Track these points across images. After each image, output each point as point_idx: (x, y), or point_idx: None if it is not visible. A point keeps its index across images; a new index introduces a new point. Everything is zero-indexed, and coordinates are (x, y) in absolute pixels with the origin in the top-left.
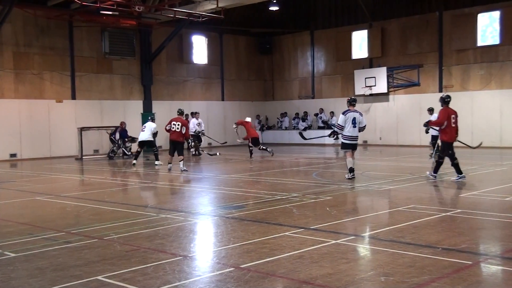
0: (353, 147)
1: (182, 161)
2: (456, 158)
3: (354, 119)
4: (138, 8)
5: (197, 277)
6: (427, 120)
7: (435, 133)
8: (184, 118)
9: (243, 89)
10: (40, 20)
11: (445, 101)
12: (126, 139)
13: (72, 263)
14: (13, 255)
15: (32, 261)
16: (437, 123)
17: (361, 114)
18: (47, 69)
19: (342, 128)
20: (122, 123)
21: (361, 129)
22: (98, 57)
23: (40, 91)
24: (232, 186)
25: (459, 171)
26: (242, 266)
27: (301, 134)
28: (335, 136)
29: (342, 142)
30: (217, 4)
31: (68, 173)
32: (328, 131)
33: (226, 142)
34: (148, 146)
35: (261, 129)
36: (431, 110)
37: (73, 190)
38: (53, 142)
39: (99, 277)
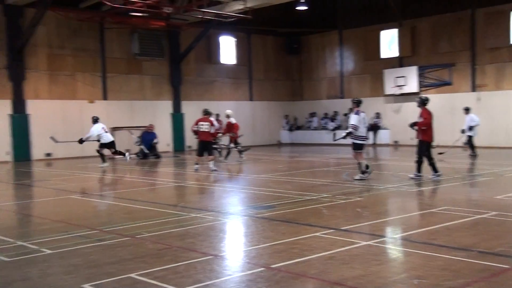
0: (364, 148)
1: (212, 161)
2: (432, 158)
3: (364, 119)
4: (167, 9)
5: (227, 277)
6: (413, 122)
7: (471, 133)
8: (215, 119)
9: (271, 89)
10: (72, 22)
11: (423, 102)
12: (152, 142)
13: (105, 261)
14: (49, 251)
15: (67, 258)
16: (425, 123)
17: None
18: (80, 70)
19: (357, 128)
20: (151, 126)
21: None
22: (128, 58)
23: (73, 92)
24: (262, 186)
25: (435, 170)
26: (272, 266)
27: (334, 135)
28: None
29: (355, 143)
30: (245, 5)
31: (100, 173)
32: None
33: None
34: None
35: (290, 129)
36: (467, 110)
37: (105, 189)
38: (85, 142)
39: (132, 275)
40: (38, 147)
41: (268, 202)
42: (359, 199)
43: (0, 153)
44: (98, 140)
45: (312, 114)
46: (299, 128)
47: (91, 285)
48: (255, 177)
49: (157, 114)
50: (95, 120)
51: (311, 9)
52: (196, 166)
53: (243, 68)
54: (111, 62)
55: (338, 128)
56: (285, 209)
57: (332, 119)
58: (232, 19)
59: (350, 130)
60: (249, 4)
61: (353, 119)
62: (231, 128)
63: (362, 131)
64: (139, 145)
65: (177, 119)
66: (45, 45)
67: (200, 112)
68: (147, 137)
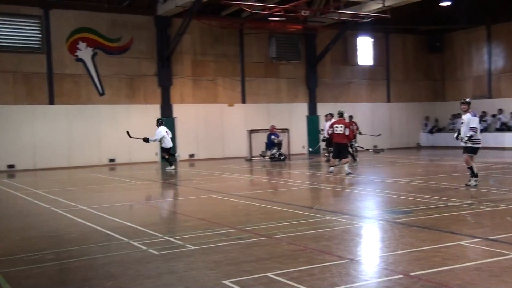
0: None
1: (347, 164)
2: None
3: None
4: (304, 12)
5: (364, 282)
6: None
7: None
8: (349, 120)
9: (410, 90)
10: (214, 29)
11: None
12: (274, 141)
13: (243, 259)
14: (192, 247)
15: (208, 254)
16: None
17: None
18: (220, 75)
19: (477, 131)
20: (273, 127)
21: None
22: (266, 62)
23: (214, 96)
24: (399, 190)
25: None
26: (411, 274)
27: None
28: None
29: (472, 147)
30: (383, 4)
31: (238, 173)
32: (510, 134)
33: (380, 134)
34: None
35: (430, 132)
36: None
37: (243, 189)
38: (225, 143)
39: (268, 274)
40: (183, 149)
41: (406, 207)
42: (509, 207)
43: (150, 153)
44: (160, 143)
45: (456, 116)
46: (440, 130)
47: (230, 282)
48: (392, 181)
49: (293, 117)
50: (160, 123)
51: (455, 5)
52: (332, 168)
53: (380, 69)
54: (249, 67)
55: (485, 130)
56: (424, 215)
57: (480, 120)
58: (370, 19)
59: (471, 133)
60: (387, 3)
61: (474, 121)
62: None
63: (478, 134)
64: (270, 146)
65: (313, 121)
66: (190, 52)
67: (336, 115)
68: (271, 138)
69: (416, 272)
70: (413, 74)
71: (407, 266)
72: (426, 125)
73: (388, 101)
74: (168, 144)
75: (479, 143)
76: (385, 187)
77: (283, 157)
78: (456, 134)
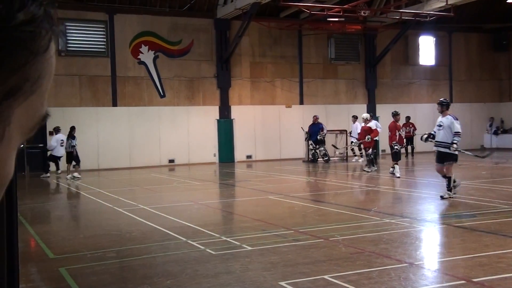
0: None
1: (397, 166)
2: None
3: None
4: (363, 12)
5: (424, 286)
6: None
7: None
8: (406, 121)
9: (474, 90)
10: (273, 31)
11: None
12: (319, 134)
13: (300, 261)
14: (249, 248)
15: (265, 255)
16: None
17: None
18: (278, 77)
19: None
20: (315, 117)
21: None
22: (324, 63)
23: (272, 97)
24: (462, 193)
25: None
26: (474, 279)
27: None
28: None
29: (453, 154)
30: (447, 2)
31: (295, 175)
32: None
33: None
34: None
35: (495, 133)
36: None
37: (300, 191)
38: (283, 145)
39: (325, 277)
40: (240, 150)
41: (468, 211)
42: None
43: (208, 155)
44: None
45: None
46: (506, 131)
47: (287, 283)
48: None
49: (351, 118)
50: (57, 131)
51: None
52: (392, 169)
53: (442, 69)
54: (307, 68)
55: None
56: (488, 219)
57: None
58: (432, 18)
59: (458, 139)
60: (450, 1)
61: (458, 125)
62: (368, 133)
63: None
64: (307, 139)
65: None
66: (248, 54)
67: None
68: (314, 129)
69: (479, 278)
70: (477, 74)
71: (470, 272)
72: (490, 126)
73: (451, 101)
74: (58, 152)
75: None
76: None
77: (326, 157)
78: (425, 136)
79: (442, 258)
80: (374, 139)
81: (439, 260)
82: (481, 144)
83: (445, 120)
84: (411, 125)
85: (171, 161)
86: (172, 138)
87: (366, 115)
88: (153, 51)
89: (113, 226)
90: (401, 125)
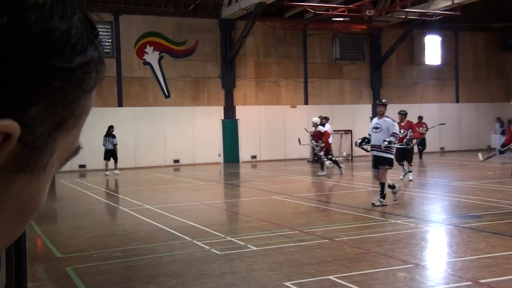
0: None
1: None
2: None
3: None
4: (369, 12)
5: None
6: None
7: None
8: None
9: (480, 89)
10: (277, 31)
11: None
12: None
13: (305, 261)
14: (254, 248)
15: (270, 255)
16: None
17: None
18: (283, 77)
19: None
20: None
21: None
22: (329, 63)
23: (276, 97)
24: (468, 194)
25: None
26: (481, 281)
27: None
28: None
29: (391, 159)
30: (453, 1)
31: (300, 175)
32: None
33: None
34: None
35: (502, 133)
36: None
37: (305, 191)
38: (287, 145)
39: (331, 277)
40: (245, 150)
41: (475, 212)
42: None
43: (213, 155)
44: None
45: None
46: None
47: (292, 283)
48: (459, 184)
49: (356, 118)
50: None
51: None
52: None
53: (448, 68)
54: (312, 68)
55: None
56: (495, 220)
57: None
58: (438, 17)
59: (392, 138)
60: (457, 0)
61: (396, 127)
62: (320, 137)
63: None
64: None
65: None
66: (253, 54)
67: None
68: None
69: (487, 280)
70: (484, 73)
71: (477, 273)
72: (498, 126)
73: (457, 101)
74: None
75: (392, 153)
76: (453, 191)
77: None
78: (359, 141)
79: (449, 259)
80: (329, 142)
81: (446, 261)
82: (487, 144)
83: (383, 122)
84: (424, 125)
85: (176, 161)
86: (177, 138)
87: (315, 120)
88: (158, 52)
89: (119, 226)
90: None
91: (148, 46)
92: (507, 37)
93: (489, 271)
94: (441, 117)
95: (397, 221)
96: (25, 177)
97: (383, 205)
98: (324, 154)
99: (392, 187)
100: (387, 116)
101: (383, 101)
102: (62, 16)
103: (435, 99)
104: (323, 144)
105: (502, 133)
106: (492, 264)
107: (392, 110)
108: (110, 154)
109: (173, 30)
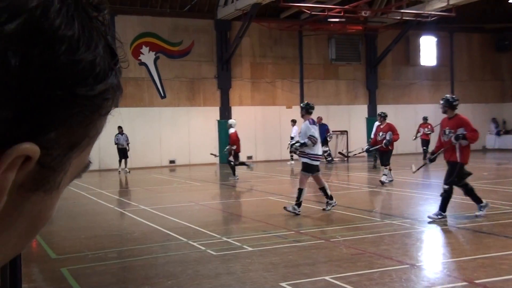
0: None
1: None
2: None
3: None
4: (364, 13)
5: None
6: None
7: None
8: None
9: (476, 90)
10: (273, 32)
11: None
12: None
13: (301, 261)
14: (250, 249)
15: (266, 256)
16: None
17: None
18: (279, 77)
19: (316, 142)
20: (319, 118)
21: None
22: (324, 63)
23: (272, 98)
24: (462, 194)
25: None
26: (476, 281)
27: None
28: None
29: (309, 164)
30: (448, 2)
31: (296, 175)
32: None
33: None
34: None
35: (497, 134)
36: None
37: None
38: (283, 145)
39: (326, 278)
40: (241, 151)
41: (470, 212)
42: None
43: (209, 155)
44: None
45: None
46: (508, 132)
47: (288, 284)
48: None
49: (352, 119)
50: None
51: None
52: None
53: (444, 69)
54: (308, 68)
55: None
56: (491, 220)
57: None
58: (434, 18)
59: (306, 140)
60: (452, 1)
61: (311, 128)
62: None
63: (318, 148)
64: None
65: (372, 123)
66: (249, 55)
67: (398, 117)
68: (321, 129)
69: (482, 280)
70: (479, 74)
71: (472, 273)
72: (493, 126)
73: None
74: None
75: (318, 160)
76: None
77: (330, 158)
78: (298, 145)
79: (444, 260)
80: (233, 147)
81: (441, 262)
82: (483, 145)
83: (302, 125)
84: (429, 126)
85: (172, 161)
86: (172, 139)
87: (231, 121)
88: (154, 52)
89: (114, 226)
90: (418, 126)
91: (144, 46)
92: (502, 38)
93: (483, 271)
94: (436, 118)
95: (392, 222)
96: (39, 195)
97: (296, 213)
98: (233, 158)
99: (329, 196)
100: (308, 119)
101: (301, 104)
102: (88, 46)
103: (431, 99)
104: (234, 147)
105: (497, 133)
106: (487, 264)
107: (388, 111)
108: (124, 152)
109: (169, 30)
